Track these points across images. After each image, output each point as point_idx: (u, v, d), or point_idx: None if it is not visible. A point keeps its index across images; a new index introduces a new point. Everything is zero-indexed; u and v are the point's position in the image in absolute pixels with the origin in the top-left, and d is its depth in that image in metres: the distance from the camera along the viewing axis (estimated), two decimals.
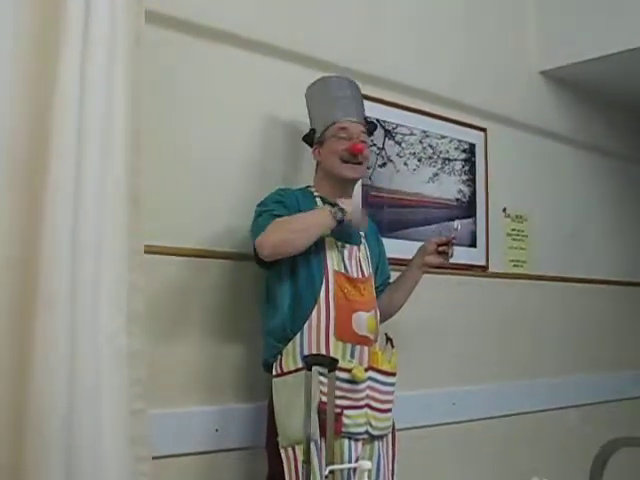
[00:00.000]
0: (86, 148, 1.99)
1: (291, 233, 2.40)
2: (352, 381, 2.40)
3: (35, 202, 1.94)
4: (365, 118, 2.68)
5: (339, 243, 2.53)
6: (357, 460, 2.35)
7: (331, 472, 1.85)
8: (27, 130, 1.97)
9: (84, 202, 1.97)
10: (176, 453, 2.47)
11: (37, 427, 1.88)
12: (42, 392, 1.88)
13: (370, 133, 2.69)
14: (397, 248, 3.04)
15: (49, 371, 1.89)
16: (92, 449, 1.94)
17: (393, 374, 2.54)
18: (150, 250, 2.35)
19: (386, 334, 2.60)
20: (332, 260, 2.49)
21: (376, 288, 2.67)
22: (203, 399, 2.59)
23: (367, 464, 1.67)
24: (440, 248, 2.69)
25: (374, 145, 3.19)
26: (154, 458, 2.19)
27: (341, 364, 2.34)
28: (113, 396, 2.01)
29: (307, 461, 2.10)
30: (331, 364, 2.08)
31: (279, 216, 2.42)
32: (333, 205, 2.44)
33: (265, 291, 2.55)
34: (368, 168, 2.92)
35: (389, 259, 2.88)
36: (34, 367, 1.88)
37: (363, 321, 2.48)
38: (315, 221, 2.43)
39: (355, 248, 2.58)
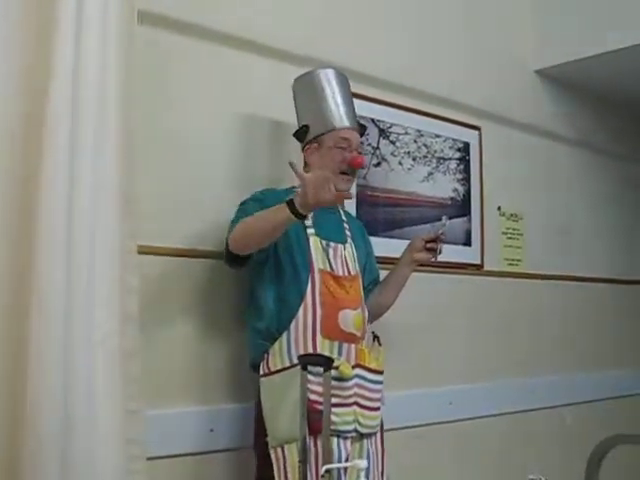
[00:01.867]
0: (79, 149, 1.98)
1: (251, 228, 2.38)
2: (339, 378, 2.38)
3: (28, 203, 1.93)
4: (357, 121, 2.65)
5: (324, 242, 2.52)
6: (347, 459, 2.35)
7: (327, 471, 1.84)
8: (19, 131, 1.96)
9: (77, 202, 1.96)
10: (170, 454, 2.46)
11: (32, 428, 1.87)
12: (37, 393, 1.87)
13: (361, 135, 2.68)
14: (392, 247, 3.03)
15: (44, 371, 1.88)
16: (87, 449, 1.93)
17: (380, 372, 2.53)
18: (148, 251, 2.38)
19: (373, 332, 2.59)
20: (317, 259, 2.48)
21: (365, 287, 2.66)
22: (196, 399, 2.58)
23: (363, 463, 1.67)
24: (428, 244, 2.68)
25: (369, 145, 3.20)
26: (149, 459, 2.18)
27: None
28: (108, 396, 2.01)
29: (303, 461, 2.10)
30: (327, 363, 2.08)
31: (251, 214, 2.40)
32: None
33: (249, 291, 2.56)
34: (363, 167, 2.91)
35: (384, 258, 2.88)
36: (29, 368, 1.88)
37: (350, 319, 2.47)
38: (274, 216, 2.34)
39: (340, 247, 2.57)
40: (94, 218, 2.00)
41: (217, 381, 2.64)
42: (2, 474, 1.87)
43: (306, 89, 2.64)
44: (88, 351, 1.96)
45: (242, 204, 2.52)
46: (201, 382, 2.61)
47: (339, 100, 2.61)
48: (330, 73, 2.65)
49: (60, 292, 1.91)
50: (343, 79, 2.68)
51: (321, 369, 2.16)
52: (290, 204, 2.25)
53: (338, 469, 2.24)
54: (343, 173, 2.54)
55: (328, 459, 2.03)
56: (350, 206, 2.97)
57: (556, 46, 3.96)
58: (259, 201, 2.48)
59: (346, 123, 2.58)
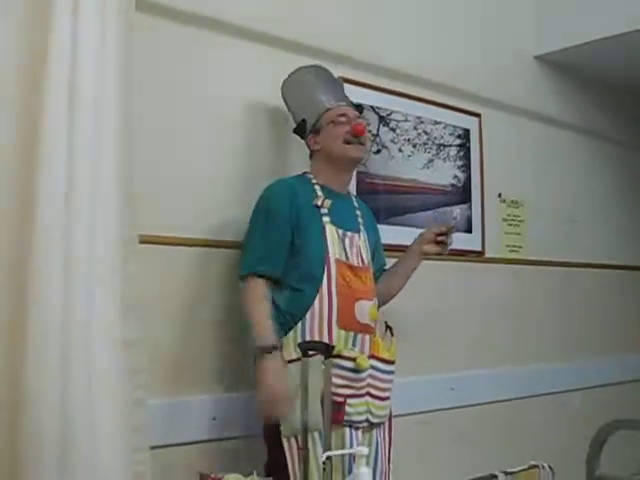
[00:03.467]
0: (78, 137, 1.98)
1: (245, 308, 2.45)
2: (356, 370, 2.41)
3: (26, 193, 1.93)
4: (351, 102, 2.70)
5: (340, 231, 2.52)
6: None
7: (328, 458, 1.85)
8: (18, 122, 1.96)
9: (76, 192, 1.96)
10: (173, 443, 2.47)
11: (33, 420, 1.87)
12: (38, 384, 1.87)
13: (360, 114, 2.71)
14: (392, 235, 3.03)
15: (44, 363, 1.88)
16: (89, 440, 1.93)
17: (392, 362, 2.54)
18: (152, 240, 2.39)
19: (386, 322, 2.60)
20: (334, 248, 2.48)
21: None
22: (199, 388, 2.59)
23: (364, 450, 1.68)
24: (439, 238, 2.69)
25: (369, 132, 3.18)
26: (152, 448, 2.19)
27: (345, 353, 2.37)
28: (110, 387, 2.00)
29: (304, 448, 2.11)
30: (327, 350, 2.08)
31: (263, 257, 2.44)
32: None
33: None
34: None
35: (384, 245, 2.87)
36: (28, 359, 1.88)
37: (366, 310, 2.48)
38: (255, 331, 2.41)
39: (356, 236, 2.57)
40: (94, 208, 2.00)
41: (220, 370, 2.64)
42: (3, 464, 1.88)
43: (294, 87, 2.69)
44: (89, 341, 1.96)
45: (260, 204, 2.51)
46: (204, 371, 2.61)
47: (326, 85, 2.67)
48: (313, 67, 2.71)
49: (59, 282, 1.91)
50: (327, 71, 2.73)
51: (340, 361, 2.22)
52: (261, 350, 2.36)
53: (349, 459, 2.25)
54: (348, 143, 2.56)
55: (330, 447, 2.04)
56: None
57: (555, 31, 3.94)
58: (279, 224, 2.47)
59: (337, 101, 2.63)
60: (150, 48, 2.45)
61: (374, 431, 2.50)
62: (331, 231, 2.51)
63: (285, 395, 2.33)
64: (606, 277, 4.44)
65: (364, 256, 2.58)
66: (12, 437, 1.87)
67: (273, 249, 2.46)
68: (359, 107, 2.72)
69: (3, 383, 1.90)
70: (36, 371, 1.87)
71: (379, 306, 2.72)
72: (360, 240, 2.59)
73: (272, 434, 2.41)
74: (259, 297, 2.43)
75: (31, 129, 1.95)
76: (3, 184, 1.94)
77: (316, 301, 2.43)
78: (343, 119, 2.58)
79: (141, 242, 2.19)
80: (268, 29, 2.83)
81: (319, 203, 2.51)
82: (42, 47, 1.97)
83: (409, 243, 2.80)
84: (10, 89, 1.97)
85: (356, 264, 2.53)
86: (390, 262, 2.83)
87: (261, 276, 2.45)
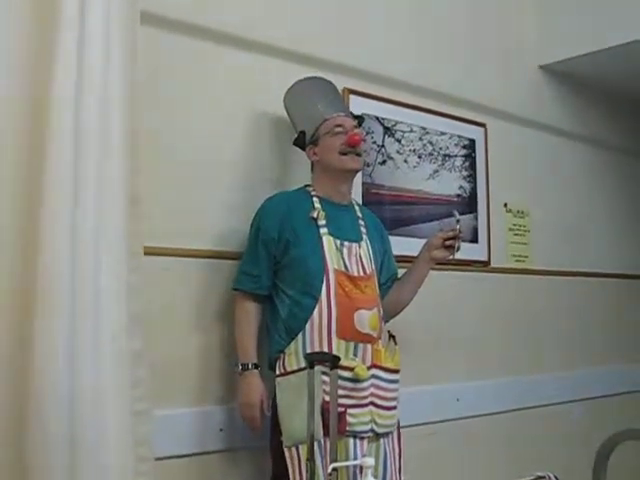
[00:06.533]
0: (83, 149, 1.98)
1: (236, 327, 2.56)
2: (355, 380, 2.40)
3: (33, 204, 1.93)
4: (351, 112, 2.72)
5: (338, 241, 2.53)
6: None
7: (334, 470, 1.85)
8: (23, 132, 1.96)
9: (82, 204, 1.96)
10: (179, 454, 2.47)
11: (39, 430, 1.87)
12: (44, 394, 1.87)
13: (359, 125, 2.71)
14: (398, 245, 3.03)
15: (50, 373, 1.88)
16: (95, 450, 1.93)
17: (396, 371, 2.54)
18: (155, 252, 2.40)
19: (389, 331, 2.60)
20: (331, 258, 2.49)
21: (382, 285, 2.68)
22: (205, 399, 2.59)
23: (370, 460, 1.67)
24: (447, 242, 2.69)
25: (374, 143, 3.20)
26: (158, 459, 2.19)
27: (344, 363, 2.35)
28: (115, 398, 2.00)
29: (311, 459, 2.10)
30: (333, 361, 2.08)
31: (252, 274, 2.52)
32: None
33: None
34: (367, 165, 2.93)
35: None
36: (35, 370, 1.88)
37: (365, 319, 2.48)
38: (239, 349, 2.54)
39: (355, 245, 2.57)
40: (99, 219, 2.00)
41: (227, 380, 2.64)
42: (10, 476, 1.88)
43: (294, 98, 2.71)
44: (95, 352, 1.96)
45: (255, 221, 2.56)
46: (210, 382, 2.61)
47: (325, 96, 2.68)
48: (312, 78, 2.73)
49: (66, 294, 1.91)
50: (327, 82, 2.75)
51: (339, 371, 2.17)
52: (240, 367, 2.51)
53: (354, 470, 2.25)
54: (344, 154, 2.57)
55: (335, 458, 2.03)
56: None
57: (560, 41, 3.95)
58: (258, 241, 2.53)
59: (334, 111, 2.63)
60: (153, 60, 2.46)
61: (381, 441, 2.49)
62: (329, 242, 2.52)
63: (254, 409, 2.47)
64: (612, 286, 4.42)
65: (366, 265, 2.58)
66: (19, 445, 1.88)
67: (261, 268, 2.52)
68: (359, 118, 2.73)
69: (10, 392, 1.90)
70: (44, 381, 1.88)
71: (392, 316, 2.73)
72: (361, 249, 2.59)
73: (277, 445, 2.42)
74: (244, 316, 2.53)
75: (37, 143, 1.95)
76: (9, 192, 1.94)
77: (315, 312, 2.44)
78: (340, 129, 2.59)
79: (145, 253, 2.20)
80: (273, 40, 2.84)
81: (315, 215, 2.52)
82: (48, 56, 1.97)
83: (415, 254, 2.80)
84: (15, 90, 1.97)
85: (356, 274, 2.53)
86: (399, 273, 2.83)
87: (249, 293, 2.52)
